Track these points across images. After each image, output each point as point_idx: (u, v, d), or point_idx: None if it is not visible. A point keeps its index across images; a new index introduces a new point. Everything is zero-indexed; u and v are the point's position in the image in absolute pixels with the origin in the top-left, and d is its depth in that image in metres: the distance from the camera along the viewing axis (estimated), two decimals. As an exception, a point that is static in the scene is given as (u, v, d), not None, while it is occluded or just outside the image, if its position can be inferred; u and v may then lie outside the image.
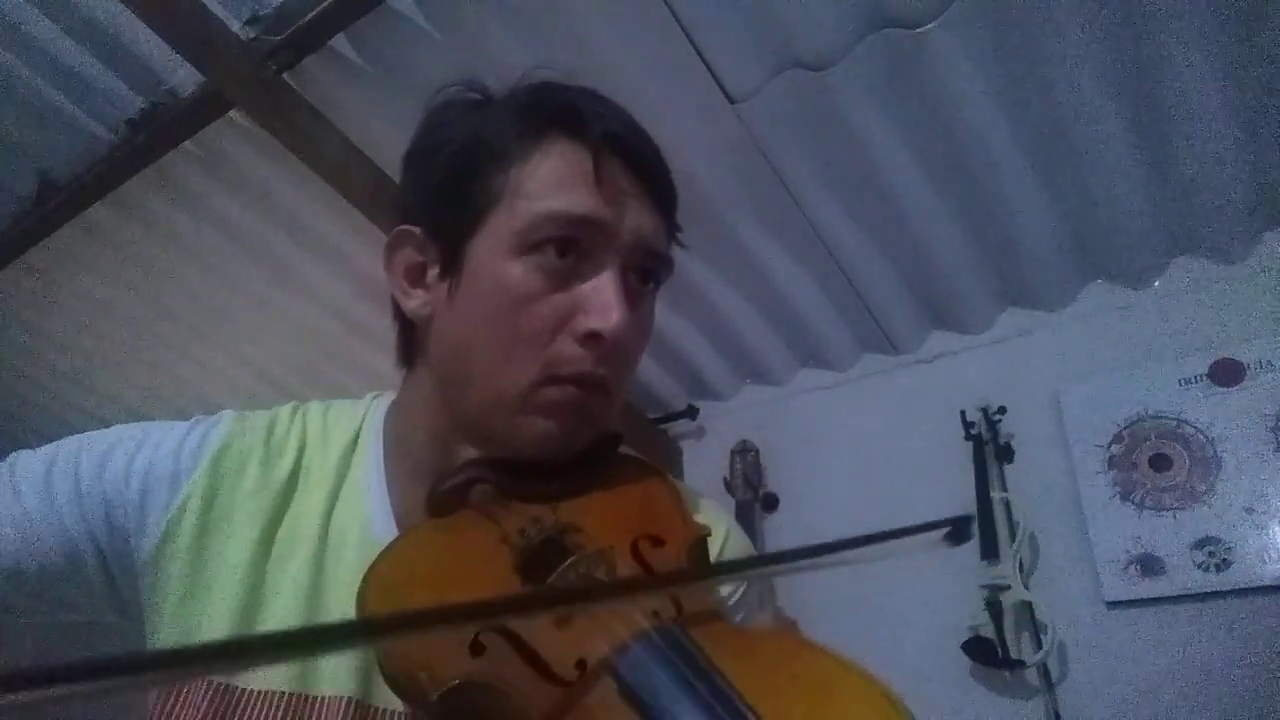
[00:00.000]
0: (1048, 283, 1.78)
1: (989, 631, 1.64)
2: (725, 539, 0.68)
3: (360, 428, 0.65)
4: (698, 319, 2.02)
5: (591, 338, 0.55)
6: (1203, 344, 1.63)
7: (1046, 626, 1.59)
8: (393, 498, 0.61)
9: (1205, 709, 1.46)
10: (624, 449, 0.65)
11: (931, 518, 0.52)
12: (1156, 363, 1.67)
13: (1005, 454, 1.78)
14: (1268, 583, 1.46)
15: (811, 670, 0.45)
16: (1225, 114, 1.41)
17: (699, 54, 1.41)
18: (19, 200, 1.85)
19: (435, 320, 0.60)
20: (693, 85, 1.46)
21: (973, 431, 1.80)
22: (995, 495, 1.74)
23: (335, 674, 0.54)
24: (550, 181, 0.56)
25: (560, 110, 0.58)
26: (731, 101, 1.49)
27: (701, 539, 0.59)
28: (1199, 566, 1.52)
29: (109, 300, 2.16)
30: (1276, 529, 1.48)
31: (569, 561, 0.51)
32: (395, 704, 0.53)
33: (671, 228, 0.63)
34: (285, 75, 1.50)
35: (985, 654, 1.63)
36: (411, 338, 0.64)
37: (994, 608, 1.65)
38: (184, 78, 1.56)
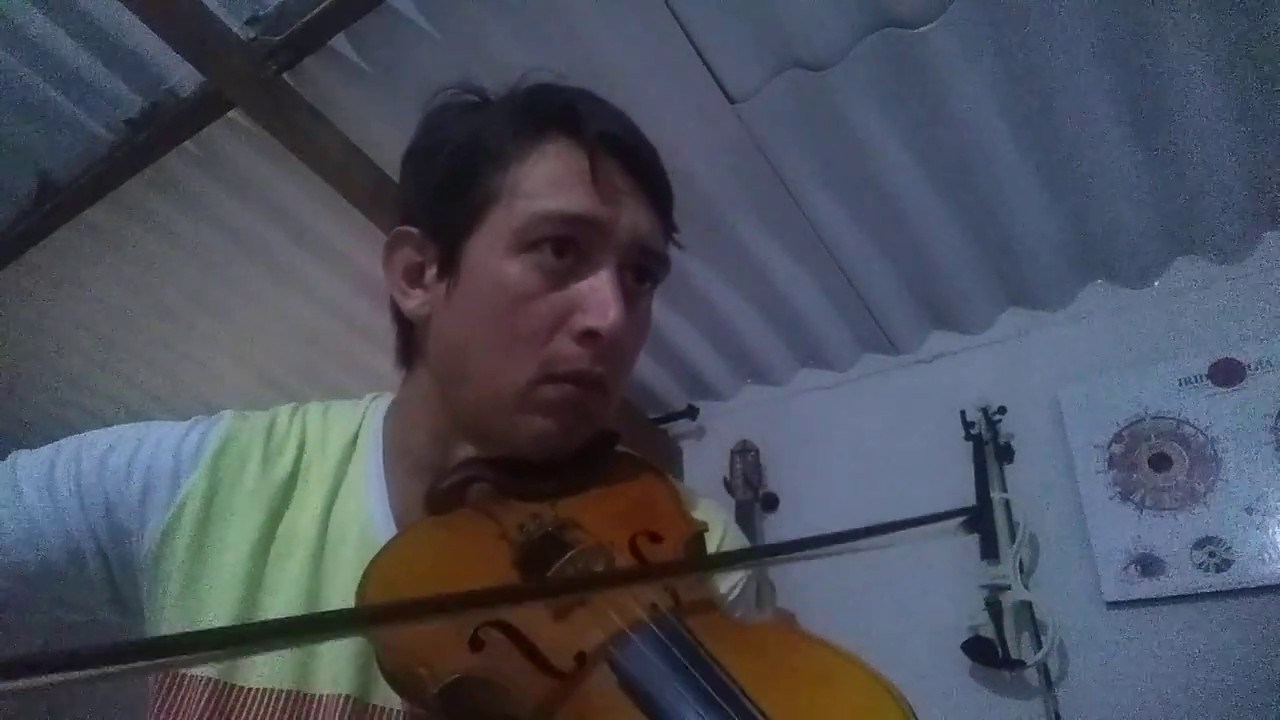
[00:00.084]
0: (1048, 283, 1.78)
1: (989, 631, 1.64)
2: (723, 537, 0.68)
3: (359, 428, 0.66)
4: (698, 319, 2.02)
5: (589, 336, 0.55)
6: (1203, 344, 1.63)
7: (1046, 626, 1.59)
8: (392, 497, 0.61)
9: (1205, 709, 1.46)
10: (621, 447, 0.65)
11: (874, 524, 0.53)
12: (1156, 363, 1.67)
13: (1005, 454, 1.78)
14: (1268, 583, 1.46)
15: (811, 661, 0.46)
16: (1225, 114, 1.41)
17: (699, 54, 1.41)
18: (19, 200, 1.85)
19: (434, 320, 0.60)
20: (693, 85, 1.46)
21: (973, 431, 1.80)
22: (995, 495, 1.74)
23: (333, 672, 0.54)
24: (547, 181, 0.56)
25: (557, 111, 0.59)
26: (731, 101, 1.49)
27: (699, 535, 0.59)
28: (1199, 566, 1.52)
29: (109, 300, 2.16)
30: (1276, 529, 1.48)
31: (567, 556, 0.52)
32: (393, 702, 0.54)
33: (668, 227, 0.63)
34: (285, 75, 1.50)
35: (985, 654, 1.63)
36: (410, 338, 0.65)
37: (994, 608, 1.65)
38: (184, 78, 1.56)
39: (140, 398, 2.50)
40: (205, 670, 0.54)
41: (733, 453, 2.10)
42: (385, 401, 0.68)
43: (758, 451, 2.10)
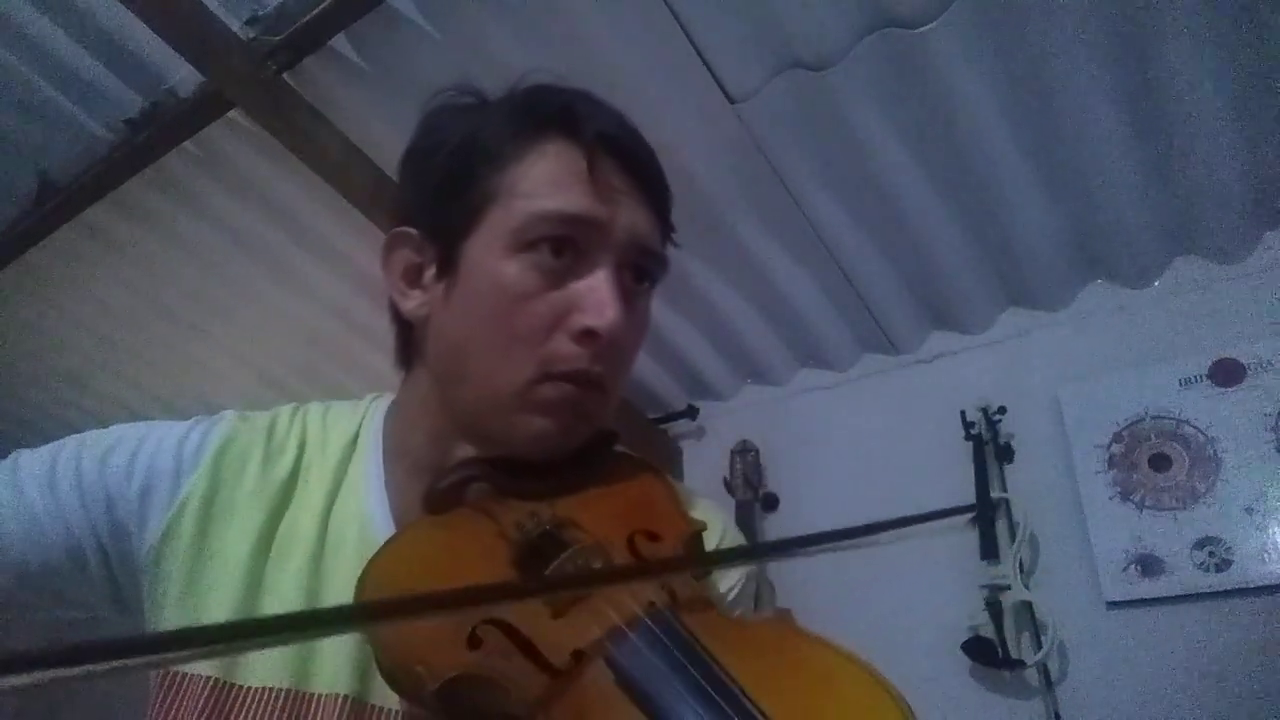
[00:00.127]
0: (1048, 283, 1.78)
1: (989, 631, 1.64)
2: (721, 538, 0.68)
3: (359, 428, 0.66)
4: (698, 319, 2.02)
5: (587, 335, 0.55)
6: (1203, 344, 1.63)
7: (1046, 626, 1.59)
8: (391, 497, 0.62)
9: (1205, 709, 1.46)
10: (620, 447, 0.65)
11: (876, 520, 0.53)
12: (1156, 363, 1.67)
13: (1005, 454, 1.78)
14: (1268, 583, 1.46)
15: (809, 659, 0.46)
16: (1225, 114, 1.41)
17: (699, 54, 1.41)
18: (19, 200, 1.85)
19: (432, 320, 0.61)
20: (693, 85, 1.46)
21: (973, 431, 1.80)
22: (995, 495, 1.74)
23: (332, 672, 0.54)
24: (545, 181, 0.57)
25: (555, 111, 0.59)
26: (731, 101, 1.49)
27: (697, 534, 0.59)
28: (1199, 566, 1.52)
29: (109, 300, 2.16)
30: (1276, 529, 1.48)
31: (565, 554, 0.52)
32: (391, 701, 0.54)
33: (666, 227, 0.63)
34: (285, 75, 1.50)
35: (985, 654, 1.63)
36: (409, 338, 0.65)
37: (994, 608, 1.65)
38: (184, 78, 1.56)
39: (140, 398, 2.50)
40: (205, 669, 0.54)
41: (733, 453, 2.10)
42: (385, 402, 0.68)
43: (758, 451, 2.10)
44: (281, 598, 0.56)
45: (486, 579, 0.51)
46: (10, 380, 2.53)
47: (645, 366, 2.15)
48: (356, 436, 0.65)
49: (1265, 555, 1.47)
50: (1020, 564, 1.66)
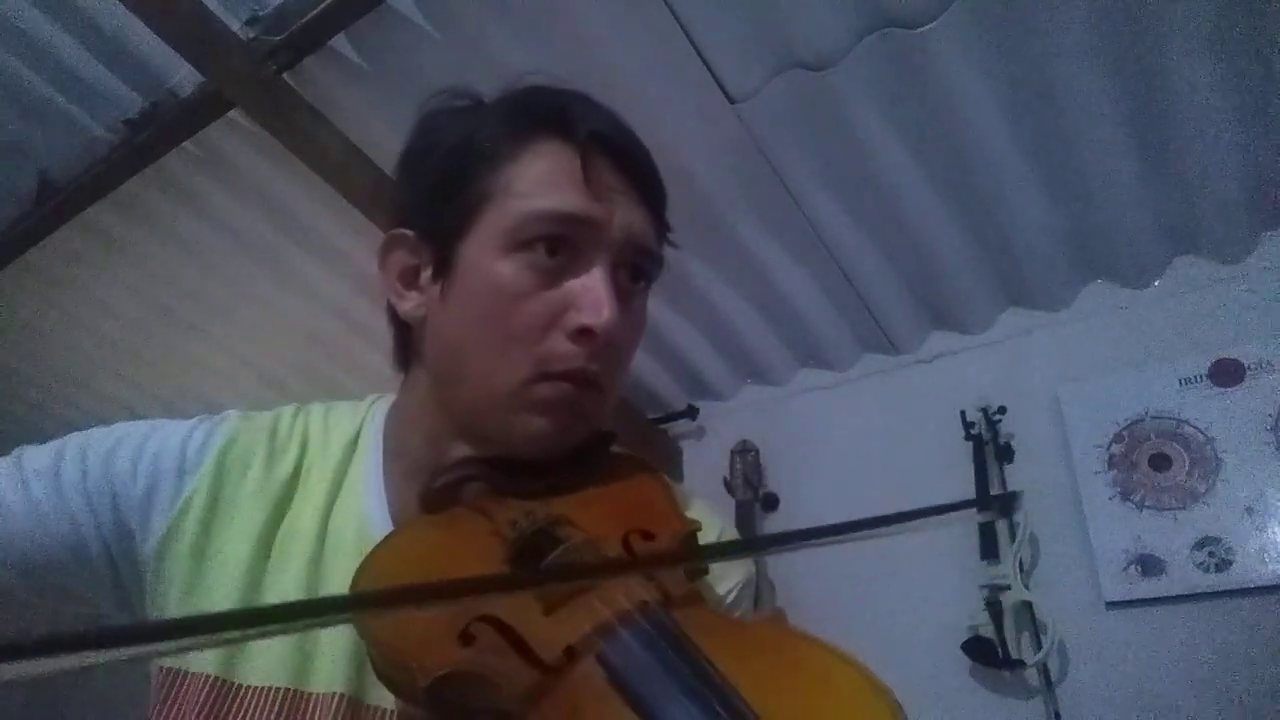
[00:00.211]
0: (1048, 283, 1.78)
1: (989, 631, 1.64)
2: (718, 538, 0.68)
3: (360, 429, 0.66)
4: (698, 319, 2.02)
5: (583, 333, 0.56)
6: (1203, 344, 1.63)
7: (1046, 626, 1.59)
8: (390, 497, 0.62)
9: (1205, 709, 1.46)
10: (617, 448, 0.66)
11: (893, 512, 0.53)
12: (1156, 363, 1.67)
13: (1005, 454, 1.78)
14: (1268, 583, 1.46)
15: (801, 659, 0.46)
16: (1225, 114, 1.41)
17: (699, 54, 1.41)
18: (19, 200, 1.85)
19: (429, 321, 0.61)
20: (693, 85, 1.46)
21: (973, 431, 1.80)
22: (995, 495, 1.74)
23: (329, 671, 0.55)
24: (539, 181, 0.57)
25: (549, 112, 0.59)
26: (731, 101, 1.49)
27: (692, 534, 0.59)
28: (1199, 566, 1.52)
29: (109, 300, 2.16)
30: (1276, 529, 1.48)
31: (558, 551, 0.52)
32: (387, 701, 0.54)
33: (661, 226, 0.63)
34: (285, 75, 1.50)
35: (985, 654, 1.63)
36: (407, 340, 0.65)
37: (994, 608, 1.65)
38: (184, 78, 1.56)
39: (140, 398, 2.51)
40: (205, 668, 0.54)
41: (733, 453, 2.10)
42: (386, 403, 0.68)
43: (758, 451, 2.10)
44: (282, 597, 0.57)
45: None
46: (10, 380, 2.53)
47: (645, 366, 2.16)
48: (357, 437, 0.65)
49: (1265, 555, 1.47)
50: (1020, 564, 1.66)
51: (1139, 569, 1.57)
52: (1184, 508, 1.56)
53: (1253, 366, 1.58)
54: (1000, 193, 1.60)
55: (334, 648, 0.55)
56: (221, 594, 0.56)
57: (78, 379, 2.49)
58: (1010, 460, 1.78)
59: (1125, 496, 1.62)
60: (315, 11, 1.40)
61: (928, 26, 1.33)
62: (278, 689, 0.54)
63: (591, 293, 0.56)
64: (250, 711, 0.53)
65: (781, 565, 1.95)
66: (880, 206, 1.66)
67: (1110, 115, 1.44)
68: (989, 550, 1.68)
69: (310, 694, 0.54)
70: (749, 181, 1.64)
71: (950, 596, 1.71)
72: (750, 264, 1.83)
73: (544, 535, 0.53)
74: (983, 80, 1.42)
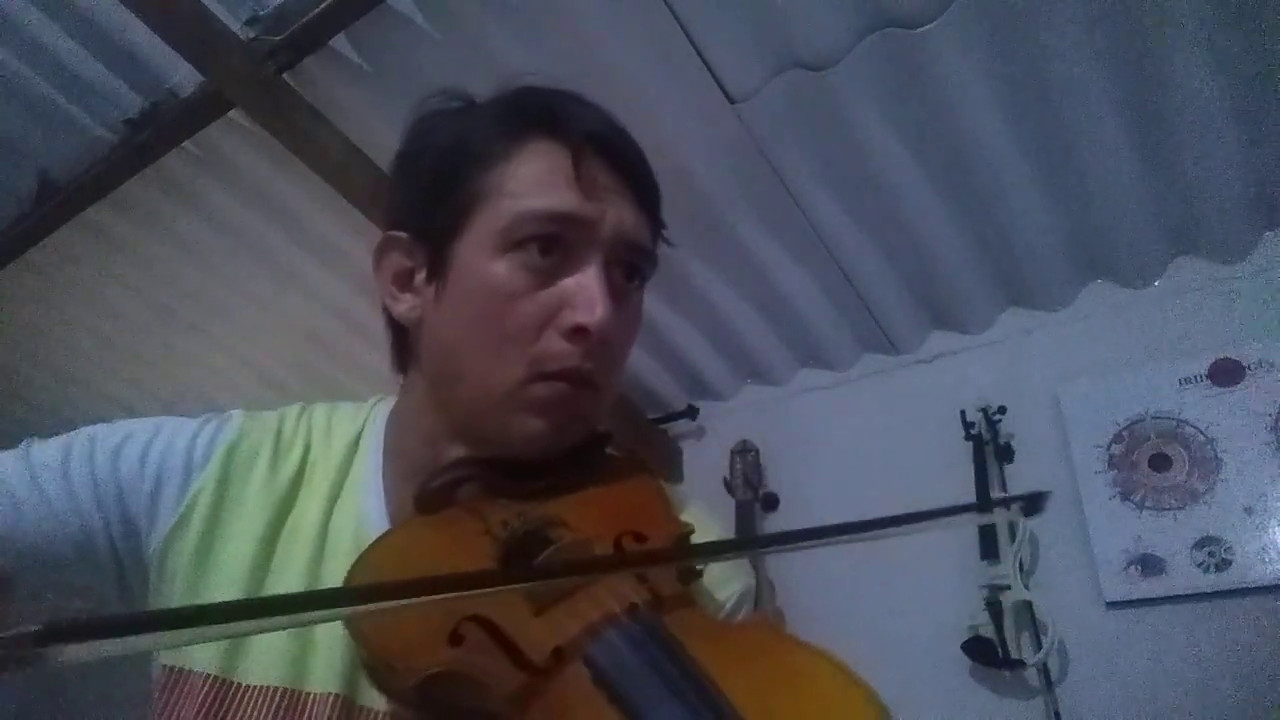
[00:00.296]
0: (1048, 283, 1.78)
1: (989, 631, 1.64)
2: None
3: (362, 429, 0.66)
4: (698, 319, 2.02)
5: (577, 332, 0.56)
6: (1203, 344, 1.63)
7: (1046, 626, 1.59)
8: (389, 498, 0.62)
9: (1205, 709, 1.46)
10: (612, 450, 0.65)
11: (924, 509, 0.53)
12: (1156, 363, 1.67)
13: (1005, 454, 1.78)
14: (1268, 583, 1.46)
15: (789, 662, 0.46)
16: (1225, 114, 1.41)
17: (699, 54, 1.41)
18: (19, 200, 1.85)
19: (425, 323, 0.61)
20: (693, 85, 1.46)
21: (973, 431, 1.80)
22: (995, 495, 1.74)
23: (326, 671, 0.55)
24: (531, 180, 0.57)
25: (540, 111, 0.59)
26: (731, 101, 1.49)
27: (685, 537, 0.59)
28: (1199, 566, 1.52)
29: (109, 300, 2.16)
30: (1276, 529, 1.48)
31: (549, 551, 0.52)
32: (379, 703, 0.54)
33: (656, 224, 0.63)
34: (285, 75, 1.50)
35: (985, 654, 1.63)
36: (404, 343, 0.65)
37: (994, 608, 1.65)
38: (184, 78, 1.56)
39: (140, 398, 2.51)
40: (205, 666, 0.55)
41: (733, 453, 2.10)
42: (388, 404, 0.68)
43: (758, 451, 2.10)
44: None
45: None
46: (10, 380, 2.53)
47: (645, 366, 2.16)
48: (359, 438, 0.66)
49: (1265, 555, 1.47)
50: (1020, 564, 1.66)
51: (1139, 569, 1.57)
52: (1184, 508, 1.56)
53: (1253, 366, 1.58)
54: (1000, 193, 1.60)
55: (330, 648, 0.55)
56: (225, 592, 0.57)
57: (78, 379, 2.49)
58: (1010, 460, 1.78)
59: (1125, 496, 1.62)
60: (315, 11, 1.40)
61: (928, 26, 1.33)
62: (276, 688, 0.54)
63: (585, 291, 0.56)
64: (249, 710, 0.54)
65: (781, 565, 1.95)
66: (880, 206, 1.66)
67: (1110, 115, 1.44)
68: (989, 550, 1.68)
69: (307, 694, 0.54)
70: (749, 181, 1.64)
71: (950, 596, 1.71)
72: (750, 264, 1.83)
73: (535, 535, 0.53)
74: (983, 80, 1.42)
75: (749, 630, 0.55)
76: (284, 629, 0.55)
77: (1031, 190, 1.60)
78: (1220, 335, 1.62)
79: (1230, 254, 1.64)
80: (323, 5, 1.39)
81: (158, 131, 1.65)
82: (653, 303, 1.91)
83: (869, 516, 0.52)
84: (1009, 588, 1.64)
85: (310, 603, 0.40)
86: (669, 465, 2.28)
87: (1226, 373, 1.60)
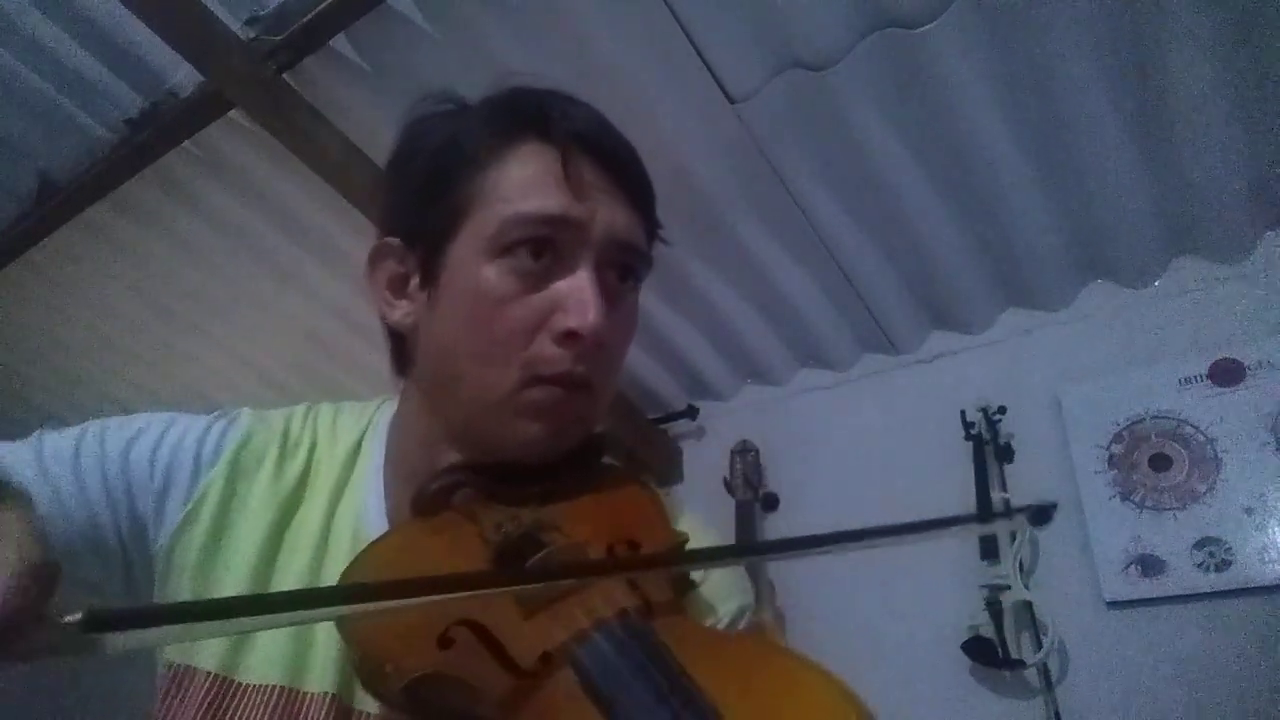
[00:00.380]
0: (1048, 283, 1.78)
1: (989, 631, 1.64)
2: None
3: (365, 431, 0.67)
4: (698, 319, 2.02)
5: (569, 336, 0.55)
6: (1203, 344, 1.63)
7: (1046, 626, 1.59)
8: (388, 501, 0.62)
9: (1205, 709, 1.46)
10: (608, 459, 0.65)
11: (932, 518, 0.53)
12: (1156, 363, 1.67)
13: (1005, 454, 1.78)
14: (1268, 583, 1.46)
15: (777, 671, 0.46)
16: (1225, 114, 1.41)
17: (699, 54, 1.41)
18: (19, 200, 1.85)
19: (420, 329, 0.61)
20: (693, 85, 1.46)
21: (973, 431, 1.80)
22: (995, 495, 1.74)
23: (322, 671, 0.55)
24: (520, 184, 0.57)
25: (528, 113, 0.59)
26: (731, 101, 1.49)
27: (679, 546, 0.59)
28: (1199, 566, 1.52)
29: (109, 300, 2.16)
30: (1276, 529, 1.48)
31: (542, 554, 0.52)
32: (372, 706, 0.55)
33: (650, 224, 0.63)
34: (285, 75, 1.50)
35: (985, 654, 1.63)
36: (402, 348, 0.65)
37: (994, 608, 1.65)
38: (184, 78, 1.56)
39: (140, 398, 2.51)
40: (207, 664, 0.55)
41: (733, 453, 2.10)
42: (392, 406, 0.68)
43: (758, 451, 2.09)
44: None
45: None
46: (10, 380, 2.53)
47: (645, 366, 2.16)
48: (361, 440, 0.66)
49: (1265, 555, 1.47)
50: (1020, 564, 1.66)
51: (1139, 569, 1.57)
52: (1184, 508, 1.56)
53: (1253, 366, 1.58)
54: (1000, 193, 1.60)
55: (327, 649, 0.56)
56: (231, 591, 0.57)
57: (78, 379, 2.49)
58: (1010, 460, 1.78)
59: (1125, 496, 1.62)
60: (315, 11, 1.40)
61: (928, 26, 1.33)
62: (274, 687, 0.55)
63: (576, 295, 0.55)
64: (248, 708, 0.54)
65: (782, 565, 1.95)
66: (880, 206, 1.66)
67: (1110, 115, 1.44)
68: (989, 550, 1.68)
69: (305, 693, 0.55)
70: (749, 181, 1.64)
71: (950, 596, 1.71)
72: (750, 264, 1.83)
73: (528, 539, 0.53)
74: (983, 80, 1.42)
75: (739, 640, 0.55)
76: (286, 626, 0.55)
77: (1031, 190, 1.60)
78: (1220, 335, 1.62)
79: (1230, 254, 1.64)
80: (323, 5, 1.39)
81: (158, 131, 1.65)
82: (653, 303, 1.92)
83: (869, 516, 0.52)
84: (1009, 588, 1.64)
85: (305, 601, 0.40)
86: (669, 465, 2.28)
87: (1226, 373, 1.60)
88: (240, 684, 0.55)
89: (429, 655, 0.45)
